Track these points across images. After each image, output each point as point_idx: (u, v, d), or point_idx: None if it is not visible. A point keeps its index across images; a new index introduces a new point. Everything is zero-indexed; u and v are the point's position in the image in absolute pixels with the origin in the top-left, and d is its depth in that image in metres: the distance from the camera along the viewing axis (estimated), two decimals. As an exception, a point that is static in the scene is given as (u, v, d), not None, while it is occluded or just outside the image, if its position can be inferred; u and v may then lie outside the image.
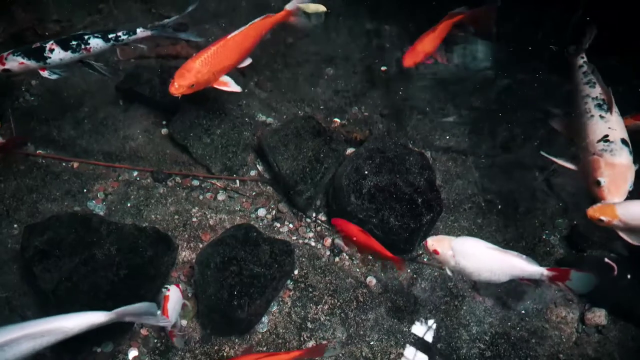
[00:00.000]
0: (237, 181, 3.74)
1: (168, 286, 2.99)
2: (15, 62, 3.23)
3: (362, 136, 3.95)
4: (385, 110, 4.17)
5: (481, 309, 3.30)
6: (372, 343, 3.13)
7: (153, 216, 3.47)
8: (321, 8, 4.02)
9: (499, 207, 3.72)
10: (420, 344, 3.15)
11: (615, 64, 3.56)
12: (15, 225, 3.31)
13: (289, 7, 3.64)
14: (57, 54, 3.28)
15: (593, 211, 2.60)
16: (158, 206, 3.52)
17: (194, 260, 3.22)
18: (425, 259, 3.48)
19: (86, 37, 3.35)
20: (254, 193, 3.70)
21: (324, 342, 3.09)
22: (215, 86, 3.39)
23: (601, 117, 3.00)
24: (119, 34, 3.41)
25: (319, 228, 3.58)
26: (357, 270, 3.42)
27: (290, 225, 3.58)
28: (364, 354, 3.09)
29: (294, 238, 3.52)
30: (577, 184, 3.49)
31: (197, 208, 3.55)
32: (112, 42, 3.41)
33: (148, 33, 3.46)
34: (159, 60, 4.23)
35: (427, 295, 3.33)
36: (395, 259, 3.05)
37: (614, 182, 2.71)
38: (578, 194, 3.66)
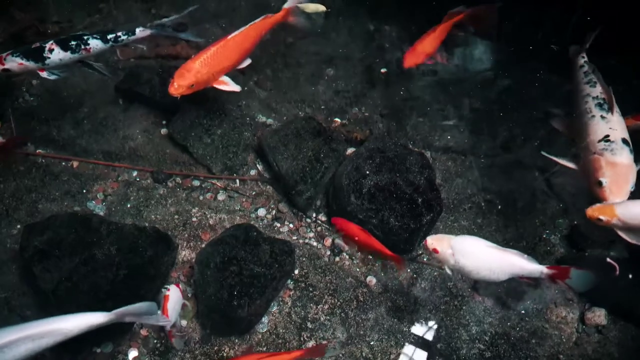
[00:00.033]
0: (237, 181, 3.74)
1: (168, 286, 2.99)
2: (14, 63, 3.23)
3: (363, 136, 3.95)
4: (385, 111, 4.17)
5: (481, 309, 3.30)
6: (372, 343, 3.12)
7: (153, 216, 3.47)
8: (321, 8, 4.02)
9: (499, 207, 3.71)
10: (420, 344, 3.15)
11: (615, 64, 3.55)
12: (15, 225, 3.31)
13: (287, 6, 3.64)
14: (57, 54, 3.28)
15: (592, 211, 2.59)
16: (158, 207, 3.52)
17: (193, 260, 3.21)
18: (425, 259, 3.47)
19: (85, 37, 3.35)
20: (254, 193, 3.69)
21: (325, 342, 3.09)
22: (215, 85, 3.39)
23: (602, 117, 3.00)
24: (119, 34, 3.41)
25: (319, 228, 3.58)
26: (357, 269, 3.42)
27: (291, 225, 3.58)
28: (364, 354, 3.08)
29: (294, 238, 3.52)
30: (577, 183, 3.49)
31: (197, 208, 3.55)
32: (111, 42, 3.41)
33: (147, 33, 3.46)
34: (158, 60, 4.23)
35: (427, 295, 3.33)
36: (395, 257, 3.05)
37: (616, 182, 2.70)
38: (578, 194, 3.66)
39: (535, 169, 3.86)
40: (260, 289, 3.01)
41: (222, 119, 3.80)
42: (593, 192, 2.77)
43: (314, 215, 3.64)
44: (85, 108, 3.90)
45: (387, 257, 3.08)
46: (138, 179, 3.65)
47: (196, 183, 3.69)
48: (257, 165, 3.82)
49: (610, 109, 3.01)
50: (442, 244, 2.64)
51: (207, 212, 3.53)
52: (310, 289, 3.28)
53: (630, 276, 3.20)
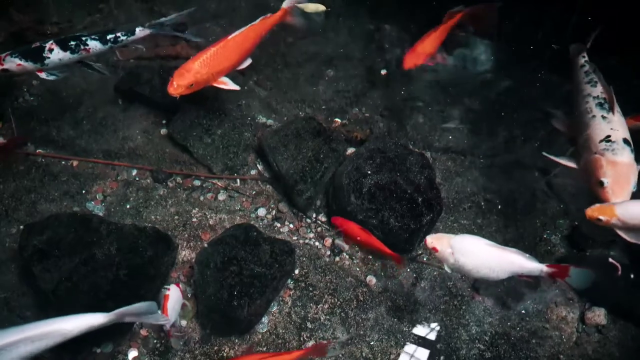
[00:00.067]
0: (238, 180, 3.74)
1: (168, 286, 2.99)
2: (13, 64, 3.23)
3: (363, 135, 3.95)
4: (385, 111, 4.17)
5: (481, 308, 3.30)
6: (372, 343, 3.12)
7: (153, 217, 3.47)
8: (320, 7, 4.01)
9: (499, 207, 3.71)
10: (420, 343, 3.15)
11: (615, 64, 3.55)
12: (14, 225, 3.30)
13: (285, 5, 3.63)
14: (56, 54, 3.28)
15: (592, 211, 2.59)
16: (158, 207, 3.52)
17: (193, 260, 3.21)
18: (425, 259, 3.47)
19: (84, 38, 3.34)
20: (254, 192, 3.69)
21: (326, 341, 3.08)
22: (214, 85, 3.39)
23: (603, 116, 3.00)
24: (118, 34, 3.41)
25: (319, 228, 3.58)
26: (357, 269, 3.42)
27: (291, 225, 3.58)
28: (364, 354, 3.08)
29: (295, 238, 3.52)
30: (578, 183, 3.49)
31: (197, 208, 3.54)
32: (110, 43, 3.40)
33: (147, 32, 3.46)
34: (158, 60, 4.22)
35: (426, 295, 3.33)
36: (395, 256, 3.06)
37: (617, 182, 2.70)
38: (579, 194, 3.66)
39: (535, 169, 3.86)
40: (260, 289, 3.01)
41: (222, 119, 3.80)
42: (594, 193, 2.77)
43: (314, 215, 3.64)
44: (85, 108, 3.90)
45: (387, 256, 3.08)
46: (137, 179, 3.65)
47: (197, 183, 3.69)
48: (258, 166, 3.82)
49: (611, 109, 3.01)
50: (441, 242, 2.64)
51: (207, 213, 3.53)
52: (310, 289, 3.28)
53: (632, 276, 3.21)
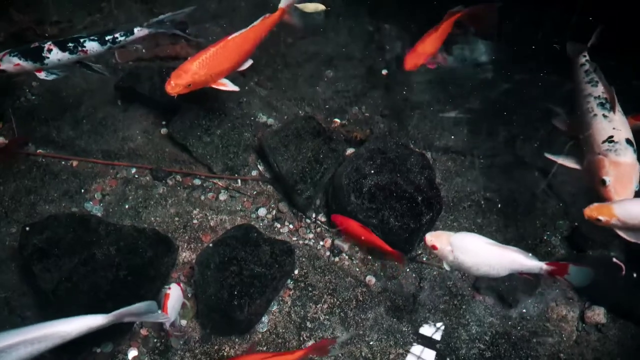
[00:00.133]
0: (239, 181, 3.74)
1: (169, 285, 2.99)
2: (10, 64, 3.23)
3: (363, 135, 3.95)
4: (386, 110, 4.17)
5: (481, 308, 3.30)
6: (371, 343, 3.13)
7: (152, 218, 3.46)
8: (320, 7, 4.01)
9: (499, 207, 3.71)
10: (421, 344, 3.15)
11: (615, 64, 3.55)
12: (14, 226, 3.31)
13: (282, 5, 3.62)
14: (55, 54, 3.28)
15: (590, 211, 2.58)
16: (157, 208, 3.52)
17: (194, 261, 3.21)
18: (424, 259, 3.48)
19: (82, 39, 3.35)
20: (255, 192, 3.70)
21: (328, 339, 3.08)
22: (213, 86, 3.39)
23: (604, 116, 3.00)
24: (116, 35, 3.41)
25: (318, 229, 3.58)
26: (357, 269, 3.42)
27: (291, 226, 3.59)
28: (363, 353, 3.08)
29: (294, 239, 3.52)
30: (578, 184, 3.49)
31: (198, 209, 3.55)
32: (109, 44, 3.40)
33: (145, 32, 3.45)
34: (158, 61, 4.22)
35: (426, 295, 3.33)
36: (395, 253, 3.06)
37: (620, 181, 2.71)
38: (579, 194, 3.65)
39: (535, 169, 3.86)
40: (260, 289, 3.02)
41: (222, 119, 3.80)
42: (597, 192, 2.77)
43: (314, 215, 3.64)
44: (85, 108, 3.90)
45: (386, 253, 3.08)
46: (137, 176, 3.65)
47: (197, 182, 3.69)
48: (259, 166, 3.83)
49: (612, 109, 3.01)
50: (441, 240, 2.63)
51: (208, 213, 3.54)
52: (310, 289, 3.28)
53: (635, 275, 3.21)
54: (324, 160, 3.64)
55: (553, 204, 3.72)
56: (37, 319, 2.89)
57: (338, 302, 3.24)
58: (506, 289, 3.31)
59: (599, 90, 3.15)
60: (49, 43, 3.28)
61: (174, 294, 2.89)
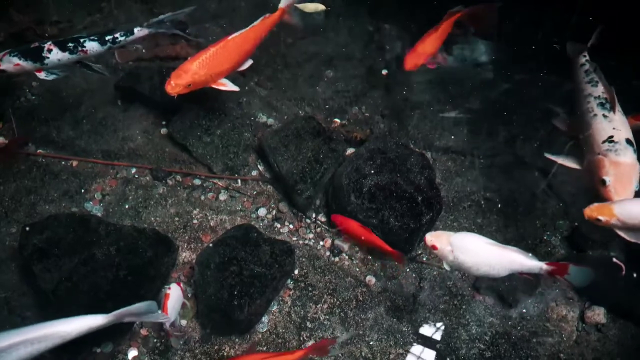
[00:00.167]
0: (239, 181, 3.74)
1: (169, 285, 2.99)
2: (10, 64, 3.23)
3: (363, 135, 3.95)
4: (386, 110, 4.17)
5: (481, 308, 3.30)
6: (371, 343, 3.13)
7: (152, 218, 3.46)
8: (320, 7, 4.01)
9: (499, 207, 3.71)
10: (421, 344, 3.15)
11: (615, 64, 3.55)
12: (14, 226, 3.31)
13: (282, 5, 3.62)
14: (55, 54, 3.28)
15: (590, 211, 2.58)
16: (157, 207, 3.52)
17: (194, 261, 3.22)
18: (424, 259, 3.48)
19: (82, 40, 3.35)
20: (255, 192, 3.70)
21: (328, 338, 3.08)
22: (213, 86, 3.39)
23: (604, 116, 3.00)
24: (116, 35, 3.41)
25: (318, 229, 3.59)
26: (357, 269, 3.42)
27: (291, 226, 3.59)
28: (363, 353, 3.09)
29: (294, 239, 3.52)
30: (577, 184, 3.49)
31: (198, 209, 3.55)
32: (109, 44, 3.41)
33: (145, 32, 3.46)
34: (158, 61, 4.22)
35: (426, 295, 3.33)
36: (395, 253, 3.06)
37: (620, 181, 2.71)
38: (579, 195, 3.65)
39: (535, 169, 3.86)
40: (260, 289, 3.02)
41: (222, 119, 3.80)
42: (597, 192, 2.77)
43: (314, 215, 3.64)
44: (85, 108, 3.90)
45: (387, 253, 3.08)
46: (137, 176, 3.65)
47: (197, 182, 3.69)
48: (259, 166, 3.83)
49: (612, 109, 3.01)
50: (441, 240, 2.62)
51: (208, 213, 3.54)
52: (310, 289, 3.28)
53: (635, 275, 3.21)
54: (324, 160, 3.65)
55: (553, 204, 3.72)
56: (37, 319, 2.89)
57: (338, 302, 3.24)
58: (506, 289, 3.31)
59: (599, 90, 3.15)
60: (48, 43, 3.29)
61: (174, 293, 2.89)
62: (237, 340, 3.08)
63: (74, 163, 3.66)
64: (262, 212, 3.62)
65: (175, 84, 3.18)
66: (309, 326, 3.16)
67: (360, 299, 3.27)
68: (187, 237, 3.41)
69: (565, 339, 3.22)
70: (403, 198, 3.36)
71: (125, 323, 2.61)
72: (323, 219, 3.63)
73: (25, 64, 3.25)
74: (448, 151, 4.00)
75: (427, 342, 3.16)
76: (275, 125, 4.00)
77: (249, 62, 3.56)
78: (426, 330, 3.20)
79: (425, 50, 3.63)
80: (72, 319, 2.42)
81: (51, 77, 3.36)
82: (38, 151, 3.68)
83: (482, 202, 3.73)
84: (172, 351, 3.01)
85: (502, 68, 4.36)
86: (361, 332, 3.15)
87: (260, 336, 3.11)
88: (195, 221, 3.49)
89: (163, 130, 3.88)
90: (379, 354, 3.09)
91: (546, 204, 3.72)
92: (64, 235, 3.02)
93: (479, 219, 3.67)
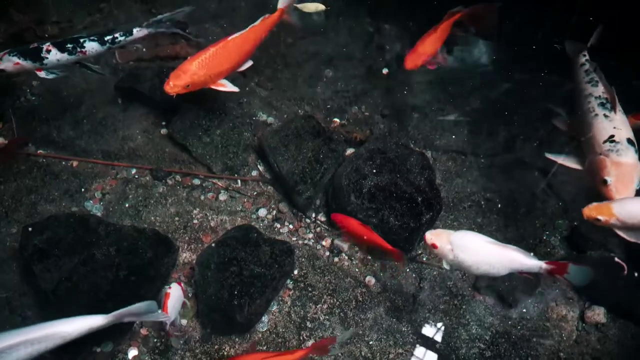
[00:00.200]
0: (239, 181, 3.74)
1: (170, 285, 2.99)
2: (10, 63, 3.24)
3: (363, 136, 3.95)
4: (385, 110, 4.17)
5: (481, 308, 3.30)
6: (371, 343, 3.13)
7: (152, 218, 3.47)
8: (320, 7, 4.01)
9: (499, 207, 3.71)
10: (422, 344, 3.15)
11: (615, 64, 3.55)
12: (14, 226, 3.31)
13: (281, 5, 3.63)
14: (54, 55, 3.29)
15: (589, 211, 2.58)
16: (157, 207, 3.52)
17: (194, 262, 3.22)
18: (424, 259, 3.48)
19: (82, 40, 3.35)
20: (255, 193, 3.70)
21: (328, 337, 3.08)
22: (213, 87, 3.39)
23: (605, 116, 3.00)
24: (116, 35, 3.42)
25: (318, 229, 3.59)
26: (357, 270, 3.42)
27: (290, 226, 3.59)
28: (363, 353, 3.09)
29: (294, 239, 3.52)
30: (577, 184, 3.49)
31: (198, 209, 3.55)
32: (108, 44, 3.41)
33: (145, 32, 3.46)
34: (158, 61, 4.23)
35: (426, 295, 3.33)
36: (395, 251, 3.05)
37: (621, 181, 2.71)
38: (578, 194, 3.65)
39: (535, 169, 3.86)
40: (260, 289, 3.02)
41: (222, 118, 3.80)
42: (599, 192, 2.77)
43: (314, 215, 3.64)
44: (85, 108, 3.91)
45: (387, 252, 3.08)
46: (137, 176, 3.65)
47: (196, 182, 3.69)
48: (259, 166, 3.83)
49: (613, 108, 3.01)
50: (441, 239, 2.62)
51: (208, 213, 3.54)
52: (310, 289, 3.28)
53: (636, 274, 3.21)
54: (324, 160, 3.65)
55: (553, 204, 3.72)
56: (38, 319, 2.92)
57: (338, 303, 3.24)
58: (506, 289, 3.31)
59: (600, 90, 3.15)
60: (47, 44, 3.29)
61: (175, 293, 2.89)
62: (237, 339, 3.08)
63: (74, 163, 3.67)
64: (262, 212, 3.62)
65: (174, 85, 3.18)
66: (309, 326, 3.16)
67: (360, 299, 3.28)
68: (187, 238, 3.42)
69: (565, 338, 3.22)
70: (403, 198, 3.37)
71: (126, 323, 2.61)
72: (323, 219, 3.63)
73: (25, 64, 3.26)
74: (448, 151, 4.00)
75: (427, 341, 3.16)
76: (275, 124, 4.00)
77: (249, 63, 3.56)
78: (426, 330, 3.20)
79: (426, 50, 3.63)
80: (72, 320, 2.42)
81: (51, 76, 3.37)
82: (38, 151, 3.69)
83: (482, 202, 3.74)
84: (172, 351, 3.01)
85: (502, 68, 4.36)
86: (361, 332, 3.15)
87: (260, 336, 3.11)
88: (195, 221, 3.49)
89: (163, 131, 3.88)
90: (378, 354, 3.09)
91: (546, 203, 3.72)
92: (64, 236, 3.03)
93: (479, 219, 3.67)
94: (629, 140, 2.87)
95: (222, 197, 3.65)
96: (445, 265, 2.69)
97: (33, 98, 3.96)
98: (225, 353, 3.03)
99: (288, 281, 3.30)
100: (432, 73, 4.16)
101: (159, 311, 2.67)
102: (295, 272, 3.34)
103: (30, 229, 3.05)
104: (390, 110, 4.17)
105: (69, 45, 3.32)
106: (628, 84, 3.57)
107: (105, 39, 3.40)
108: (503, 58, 4.41)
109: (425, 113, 4.17)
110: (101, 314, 2.46)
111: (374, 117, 4.12)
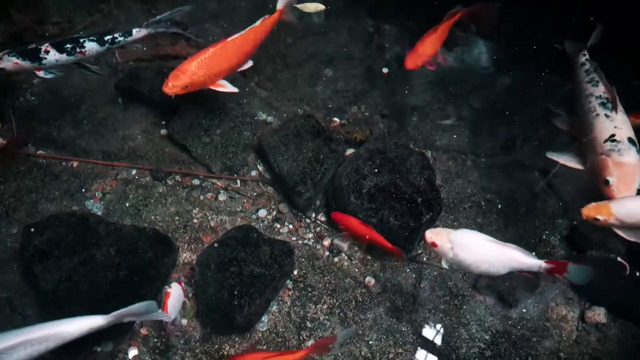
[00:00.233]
0: (238, 181, 3.74)
1: (170, 284, 2.99)
2: (9, 62, 3.24)
3: (363, 136, 3.95)
4: (385, 110, 4.17)
5: (481, 308, 3.30)
6: (370, 343, 3.13)
7: (152, 217, 3.47)
8: (320, 7, 4.01)
9: (499, 206, 3.71)
10: (421, 345, 3.16)
11: (615, 64, 3.55)
12: (15, 225, 3.32)
13: (280, 6, 3.63)
14: (53, 56, 3.30)
15: (588, 211, 2.58)
16: (157, 206, 3.53)
17: (194, 262, 3.22)
18: (424, 259, 3.48)
19: (82, 40, 3.36)
20: (254, 194, 3.70)
21: (330, 336, 3.08)
22: (212, 87, 3.39)
23: (606, 116, 3.00)
24: (115, 35, 3.42)
25: (318, 229, 3.59)
26: (356, 270, 3.42)
27: (290, 226, 3.59)
28: (362, 353, 3.09)
29: (294, 239, 3.53)
30: (577, 183, 3.50)
31: (197, 209, 3.55)
32: (107, 44, 3.41)
33: (144, 32, 3.46)
34: (158, 60, 4.23)
35: (426, 295, 3.33)
36: (395, 249, 3.06)
37: (623, 181, 2.71)
38: (578, 194, 3.66)
39: (535, 169, 3.86)
40: (260, 289, 3.03)
41: (222, 118, 3.80)
42: (601, 192, 2.76)
43: (314, 215, 3.64)
44: (86, 108, 3.91)
45: (386, 249, 3.08)
46: (137, 177, 3.66)
47: (196, 182, 3.69)
48: (258, 166, 3.83)
49: (614, 108, 3.01)
50: (441, 237, 2.61)
51: (208, 213, 3.54)
52: (309, 289, 3.28)
53: (638, 274, 3.21)
54: (324, 160, 3.65)
55: (553, 204, 3.72)
56: (38, 318, 2.93)
57: (337, 303, 3.25)
58: (506, 289, 3.31)
59: (600, 89, 3.15)
60: (46, 44, 3.30)
61: (175, 292, 2.89)
62: (237, 339, 3.09)
63: (75, 164, 3.67)
64: (262, 213, 3.62)
65: (173, 85, 3.18)
66: (309, 326, 3.16)
67: (360, 299, 3.28)
68: (187, 237, 3.42)
69: (565, 338, 3.23)
70: (403, 199, 3.36)
71: (126, 322, 2.61)
72: (323, 219, 3.63)
73: (24, 63, 3.27)
74: (448, 151, 4.00)
75: (427, 341, 3.17)
76: (275, 124, 4.00)
77: (249, 63, 3.56)
78: (426, 329, 3.20)
79: (426, 50, 3.63)
80: (72, 320, 2.42)
81: (49, 76, 3.38)
82: (38, 152, 3.69)
83: (483, 203, 3.73)
84: (173, 350, 3.01)
85: (502, 68, 4.36)
86: (361, 332, 3.15)
87: (260, 335, 3.11)
88: (195, 220, 3.50)
89: (163, 131, 3.88)
90: (378, 354, 3.09)
91: (546, 203, 3.72)
92: (65, 236, 3.03)
93: (479, 219, 3.67)
94: (630, 140, 2.87)
95: (222, 197, 3.65)
96: (444, 265, 2.69)
97: (33, 98, 3.97)
98: (225, 353, 3.03)
99: (288, 281, 3.30)
100: (432, 73, 4.17)
101: (159, 310, 2.67)
102: (295, 272, 3.34)
103: (32, 229, 3.05)
104: (390, 110, 4.17)
105: (68, 46, 3.32)
106: (628, 83, 3.58)
107: (105, 39, 3.40)
108: (503, 58, 4.42)
109: (425, 113, 4.18)
110: (101, 314, 2.46)
111: (374, 117, 4.12)
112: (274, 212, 3.63)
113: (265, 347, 3.07)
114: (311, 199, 3.60)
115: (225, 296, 2.96)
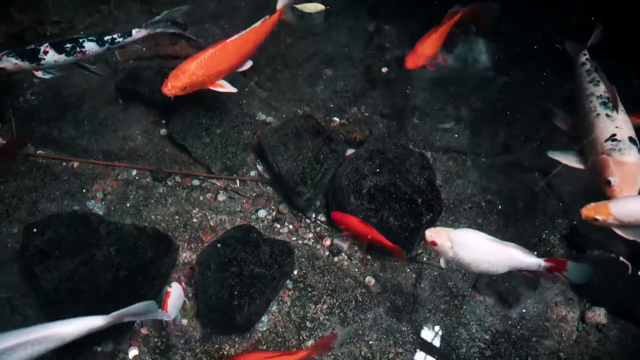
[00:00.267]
0: (238, 181, 3.74)
1: (170, 284, 3.00)
2: (9, 63, 3.25)
3: (362, 136, 3.95)
4: (385, 110, 4.17)
5: (481, 308, 3.30)
6: (370, 342, 3.13)
7: (153, 216, 3.48)
8: (320, 7, 4.02)
9: (499, 207, 3.71)
10: (421, 345, 3.16)
11: (615, 64, 3.55)
12: (16, 225, 3.32)
13: (279, 6, 3.63)
14: (52, 56, 3.30)
15: (587, 211, 2.58)
16: (158, 206, 3.53)
17: (194, 261, 3.22)
18: (425, 259, 3.48)
19: (81, 40, 3.36)
20: (254, 194, 3.70)
21: (331, 335, 3.08)
22: (211, 88, 3.39)
23: (607, 115, 3.00)
24: (115, 36, 3.42)
25: (318, 229, 3.59)
26: (356, 270, 3.42)
27: (290, 226, 3.59)
28: (362, 353, 3.09)
29: (294, 239, 3.53)
30: (577, 183, 3.50)
31: (197, 209, 3.55)
32: (107, 45, 3.42)
33: (144, 32, 3.47)
34: (158, 60, 4.23)
35: (426, 295, 3.33)
36: (395, 248, 3.05)
37: (625, 181, 2.71)
38: (578, 194, 3.66)
39: (535, 169, 3.86)
40: (260, 289, 3.03)
41: (222, 118, 3.80)
42: (603, 192, 2.76)
43: (314, 216, 3.64)
44: (86, 108, 3.91)
45: (386, 248, 3.08)
46: (137, 178, 3.66)
47: (196, 182, 3.70)
48: (257, 166, 3.83)
49: (615, 108, 3.01)
50: (441, 236, 2.61)
51: (207, 213, 3.54)
52: (309, 289, 3.29)
53: (638, 273, 3.21)
54: (324, 160, 3.64)
55: (552, 203, 3.72)
56: (38, 318, 2.93)
57: (337, 303, 3.25)
58: (506, 289, 3.31)
59: (601, 89, 3.15)
60: (45, 45, 3.30)
61: (175, 292, 2.89)
62: (237, 339, 3.09)
63: (75, 164, 3.67)
64: (262, 213, 3.62)
65: (172, 86, 3.19)
66: (309, 326, 3.16)
67: (360, 299, 3.28)
68: (187, 237, 3.42)
69: (565, 338, 3.23)
70: (402, 199, 3.36)
71: (126, 322, 2.61)
72: (323, 219, 3.63)
73: (23, 64, 3.27)
74: (448, 151, 4.00)
75: (427, 341, 3.17)
76: (274, 123, 4.00)
77: (249, 64, 3.56)
78: (426, 329, 3.20)
79: (426, 51, 3.63)
80: (72, 321, 2.42)
81: (48, 76, 3.39)
82: (38, 152, 3.69)
83: (483, 203, 3.73)
84: (173, 350, 3.02)
85: (502, 68, 4.36)
86: (361, 332, 3.15)
87: (260, 335, 3.12)
88: (195, 220, 3.50)
89: (163, 131, 3.88)
90: (378, 354, 3.09)
91: (546, 203, 3.72)
92: (66, 236, 3.03)
93: (480, 219, 3.67)
94: (631, 139, 2.87)
95: (221, 197, 3.65)
96: (442, 264, 2.69)
97: (33, 98, 3.97)
98: (225, 352, 3.04)
99: (288, 281, 3.30)
100: (432, 73, 4.17)
101: (159, 310, 2.67)
102: (295, 272, 3.34)
103: (34, 229, 3.05)
104: (390, 110, 4.17)
105: (67, 46, 3.32)
106: (628, 83, 3.58)
107: (104, 39, 3.40)
108: (503, 58, 4.41)
109: (425, 113, 4.17)
110: (101, 315, 2.46)
111: (374, 117, 4.12)
112: (274, 213, 3.63)
113: (265, 347, 3.08)
114: (311, 199, 3.60)
115: (225, 296, 2.96)
